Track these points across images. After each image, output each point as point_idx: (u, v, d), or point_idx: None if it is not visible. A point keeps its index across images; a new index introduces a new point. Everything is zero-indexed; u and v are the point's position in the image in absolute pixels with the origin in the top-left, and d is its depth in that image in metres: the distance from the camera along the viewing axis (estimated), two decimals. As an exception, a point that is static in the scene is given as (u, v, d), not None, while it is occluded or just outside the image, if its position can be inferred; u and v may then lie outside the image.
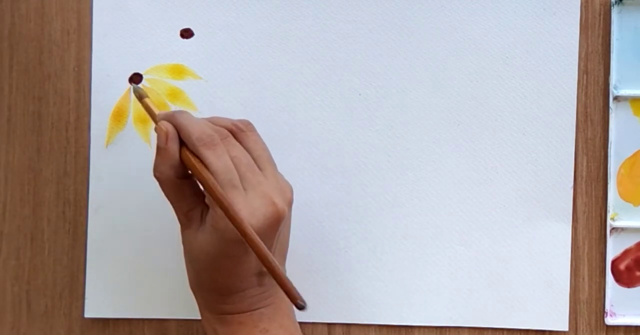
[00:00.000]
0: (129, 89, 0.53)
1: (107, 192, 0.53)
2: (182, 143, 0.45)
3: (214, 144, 0.44)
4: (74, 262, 0.54)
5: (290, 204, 0.46)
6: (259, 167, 0.45)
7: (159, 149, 0.45)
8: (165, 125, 0.45)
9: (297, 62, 0.53)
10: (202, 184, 0.44)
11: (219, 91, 0.53)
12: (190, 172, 0.45)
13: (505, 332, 0.53)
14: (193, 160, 0.44)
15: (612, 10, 0.52)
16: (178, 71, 0.53)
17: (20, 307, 0.54)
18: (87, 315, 0.53)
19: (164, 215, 0.53)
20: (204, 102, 0.53)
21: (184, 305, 0.53)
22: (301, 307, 0.41)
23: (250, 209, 0.43)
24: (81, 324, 0.53)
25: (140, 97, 0.49)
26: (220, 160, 0.44)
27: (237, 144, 0.45)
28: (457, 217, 0.53)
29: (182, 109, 0.53)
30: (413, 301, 0.53)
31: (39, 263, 0.54)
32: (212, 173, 0.43)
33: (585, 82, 0.53)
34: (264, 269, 0.44)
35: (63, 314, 0.54)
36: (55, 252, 0.54)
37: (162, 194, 0.46)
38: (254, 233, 0.42)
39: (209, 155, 0.43)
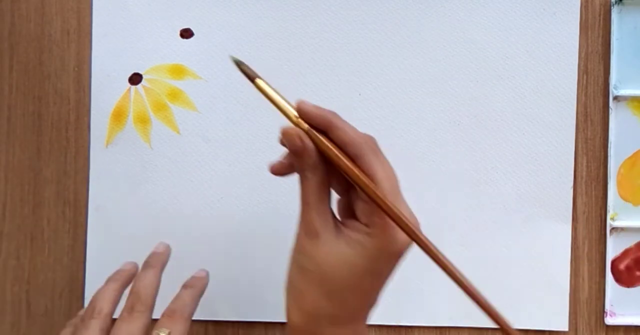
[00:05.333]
0: (129, 89, 0.53)
1: (107, 192, 0.53)
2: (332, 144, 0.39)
3: (376, 151, 0.39)
4: (74, 262, 0.54)
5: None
6: None
7: (298, 152, 0.39)
8: (299, 133, 0.39)
9: (297, 62, 0.53)
10: (369, 196, 0.38)
11: (219, 91, 0.53)
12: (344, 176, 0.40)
13: (505, 332, 0.53)
14: (351, 165, 0.38)
15: (612, 10, 0.52)
16: (178, 71, 0.53)
17: (20, 307, 0.54)
18: (87, 315, 0.53)
19: (163, 214, 0.53)
20: (204, 102, 0.53)
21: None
22: None
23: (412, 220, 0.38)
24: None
25: (251, 77, 0.41)
26: (384, 167, 0.39)
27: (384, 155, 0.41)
28: (457, 217, 0.53)
29: (184, 109, 0.53)
30: (413, 301, 0.53)
31: (39, 263, 0.54)
32: (377, 181, 0.38)
33: (585, 82, 0.53)
34: (378, 301, 0.41)
35: (63, 314, 0.54)
36: (55, 252, 0.54)
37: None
38: (428, 241, 0.38)
39: (377, 164, 0.39)
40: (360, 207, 0.39)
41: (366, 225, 0.39)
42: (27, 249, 0.54)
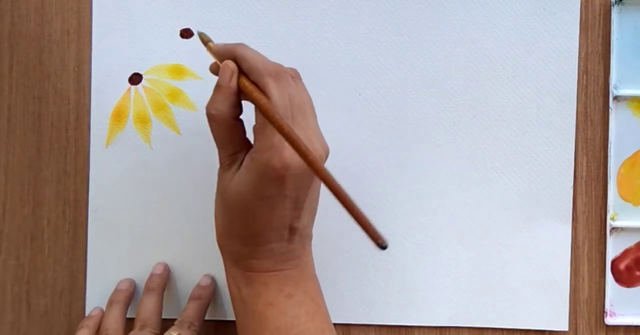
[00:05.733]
0: (129, 89, 0.53)
1: (107, 192, 0.53)
2: (241, 73, 0.44)
3: (279, 77, 0.43)
4: (74, 262, 0.54)
5: (325, 159, 0.45)
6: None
7: (219, 87, 0.44)
8: (232, 65, 0.44)
9: (297, 62, 0.53)
10: (261, 111, 0.42)
11: (219, 91, 0.53)
12: (250, 101, 0.44)
13: (505, 332, 0.53)
14: (255, 90, 0.43)
15: (612, 10, 0.52)
16: (178, 71, 0.53)
17: (20, 307, 0.54)
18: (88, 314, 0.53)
19: (164, 214, 0.53)
20: (204, 102, 0.53)
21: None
22: (383, 247, 0.38)
23: (291, 151, 0.41)
24: (81, 324, 0.53)
25: (205, 42, 0.48)
26: (282, 94, 0.43)
27: (293, 83, 0.45)
28: (457, 217, 0.53)
29: (184, 109, 0.53)
30: (413, 301, 0.53)
31: (39, 263, 0.54)
32: (272, 102, 0.42)
33: (585, 82, 0.53)
34: (295, 225, 0.44)
35: (63, 314, 0.54)
36: (55, 252, 0.54)
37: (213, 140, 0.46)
38: (319, 161, 0.40)
39: (273, 87, 0.43)
40: (253, 132, 0.44)
41: (253, 150, 0.43)
42: (27, 249, 0.54)
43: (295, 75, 0.46)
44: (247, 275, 0.45)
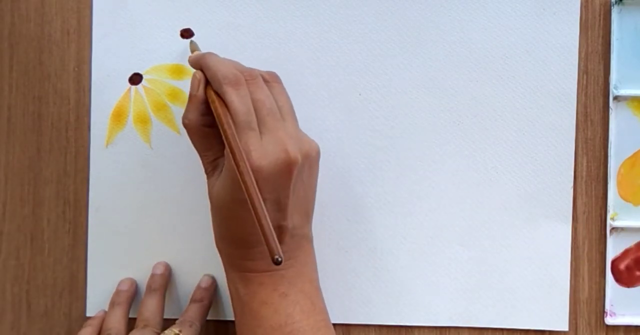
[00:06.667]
0: (129, 89, 0.53)
1: (107, 192, 0.53)
2: (208, 83, 0.46)
3: (238, 84, 0.44)
4: (74, 262, 0.54)
5: (308, 156, 0.45)
6: (281, 116, 0.46)
7: (190, 96, 0.46)
8: (199, 75, 0.46)
9: (297, 62, 0.53)
10: (218, 122, 0.44)
11: (219, 91, 0.53)
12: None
13: (505, 332, 0.53)
14: (215, 99, 0.44)
15: (612, 10, 0.52)
16: (178, 71, 0.53)
17: (20, 307, 0.54)
18: (88, 314, 0.53)
19: (164, 214, 0.53)
20: (204, 102, 0.53)
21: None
22: (277, 262, 0.39)
23: (262, 152, 0.43)
24: (81, 324, 0.53)
25: (192, 51, 0.51)
26: (242, 100, 0.44)
27: (265, 88, 0.46)
28: (457, 217, 0.53)
29: (182, 109, 0.53)
30: (413, 301, 0.53)
31: (39, 263, 0.54)
32: (231, 112, 0.44)
33: (585, 82, 0.53)
34: (283, 225, 0.44)
35: (63, 314, 0.54)
36: (55, 252, 0.54)
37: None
38: (250, 173, 0.41)
39: (232, 94, 0.44)
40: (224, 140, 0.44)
41: (226, 157, 0.44)
42: (27, 249, 0.54)
43: (271, 79, 0.47)
44: (243, 276, 0.46)
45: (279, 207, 0.44)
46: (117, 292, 0.52)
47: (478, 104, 0.53)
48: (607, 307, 0.53)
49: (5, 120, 0.54)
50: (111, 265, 0.54)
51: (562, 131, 0.53)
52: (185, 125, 0.46)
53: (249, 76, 0.45)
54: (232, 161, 0.42)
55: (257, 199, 0.41)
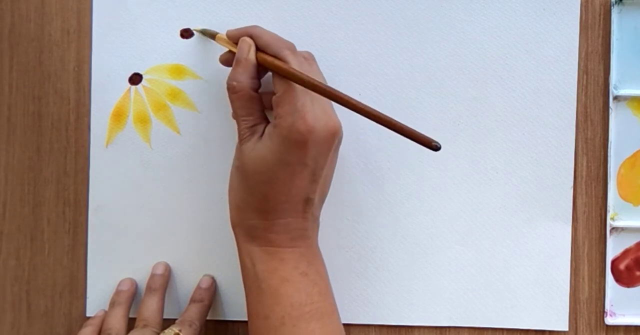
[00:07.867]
0: (129, 89, 0.53)
1: (107, 192, 0.53)
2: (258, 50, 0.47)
3: (295, 52, 0.47)
4: (74, 262, 0.54)
5: (341, 132, 0.47)
6: None
7: (238, 60, 0.47)
8: (249, 40, 0.47)
9: (297, 62, 0.53)
10: (283, 73, 0.45)
11: (219, 91, 0.53)
12: (270, 70, 0.46)
13: (505, 332, 0.53)
14: (272, 58, 0.46)
15: (612, 10, 0.52)
16: (178, 71, 0.53)
17: (20, 307, 0.54)
18: (88, 314, 0.53)
19: (164, 214, 0.53)
20: (204, 102, 0.53)
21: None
22: (437, 148, 0.40)
23: (314, 114, 0.44)
24: (81, 324, 0.53)
25: (212, 35, 0.51)
26: (300, 65, 0.46)
27: (307, 64, 0.47)
28: (457, 217, 0.53)
29: (184, 109, 0.53)
30: (413, 301, 0.53)
31: (39, 263, 0.54)
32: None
33: (585, 82, 0.53)
34: (311, 197, 0.45)
35: (63, 314, 0.54)
36: (55, 252, 0.54)
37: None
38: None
39: (292, 58, 0.45)
40: (273, 103, 0.45)
41: (275, 118, 0.45)
42: (27, 249, 0.54)
43: (308, 57, 0.49)
44: (264, 250, 0.46)
45: (314, 178, 0.46)
46: (117, 292, 0.52)
47: (478, 104, 0.53)
48: (607, 307, 0.53)
49: (5, 120, 0.54)
50: (111, 265, 0.54)
51: (562, 131, 0.53)
52: (232, 87, 0.47)
53: (294, 50, 0.47)
54: (288, 118, 0.44)
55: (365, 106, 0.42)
